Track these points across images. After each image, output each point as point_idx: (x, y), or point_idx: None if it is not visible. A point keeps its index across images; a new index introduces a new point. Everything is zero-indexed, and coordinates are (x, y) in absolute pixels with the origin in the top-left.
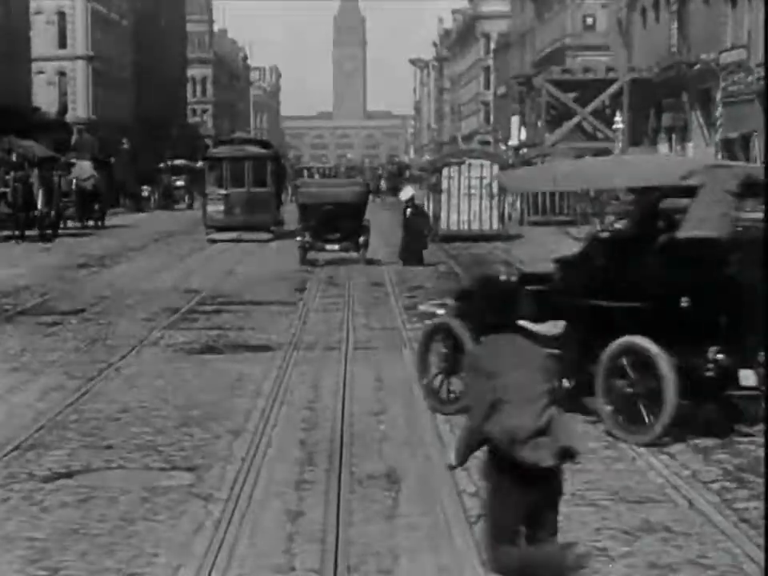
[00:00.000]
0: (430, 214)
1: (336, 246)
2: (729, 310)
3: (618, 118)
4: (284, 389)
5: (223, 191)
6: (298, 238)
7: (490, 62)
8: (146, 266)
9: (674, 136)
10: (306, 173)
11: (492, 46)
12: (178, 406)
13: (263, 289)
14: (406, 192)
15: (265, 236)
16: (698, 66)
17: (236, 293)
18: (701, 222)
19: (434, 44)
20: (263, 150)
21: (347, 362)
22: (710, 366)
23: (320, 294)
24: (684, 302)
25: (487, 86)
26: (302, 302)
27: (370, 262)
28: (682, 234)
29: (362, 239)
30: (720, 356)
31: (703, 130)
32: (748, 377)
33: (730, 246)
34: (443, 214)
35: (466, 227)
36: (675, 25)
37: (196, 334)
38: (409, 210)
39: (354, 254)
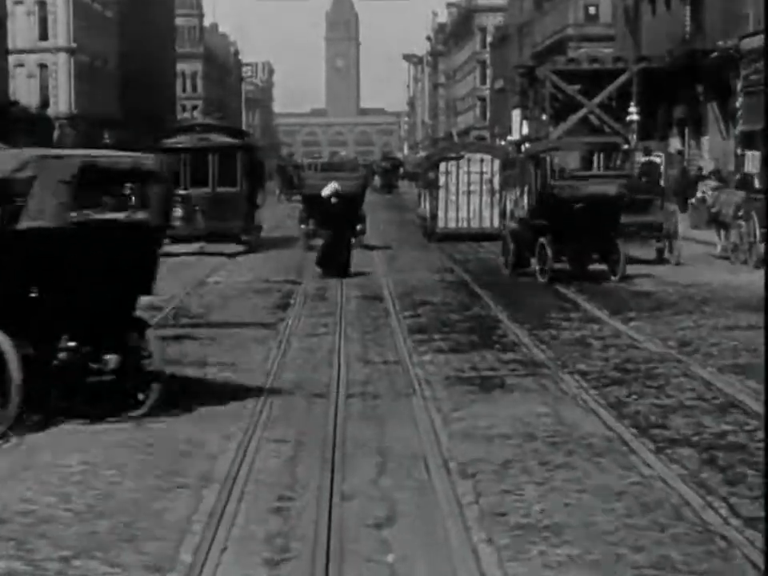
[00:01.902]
0: (427, 211)
1: None
2: (80, 299)
3: (632, 109)
4: (247, 475)
5: (181, 191)
6: (302, 226)
7: (487, 55)
8: None
9: (687, 129)
10: (300, 169)
11: (488, 39)
12: (81, 511)
13: (238, 305)
14: (329, 187)
15: (234, 248)
16: (714, 54)
17: (206, 310)
18: (38, 213)
19: (429, 39)
20: (232, 140)
21: (337, 422)
22: (63, 354)
23: (305, 312)
24: (33, 293)
25: (483, 81)
26: (284, 324)
27: (367, 247)
28: (21, 225)
29: (359, 227)
30: (72, 343)
31: (719, 122)
32: (110, 361)
33: (68, 236)
34: (440, 212)
35: (465, 225)
36: (688, 10)
37: None
38: (333, 209)
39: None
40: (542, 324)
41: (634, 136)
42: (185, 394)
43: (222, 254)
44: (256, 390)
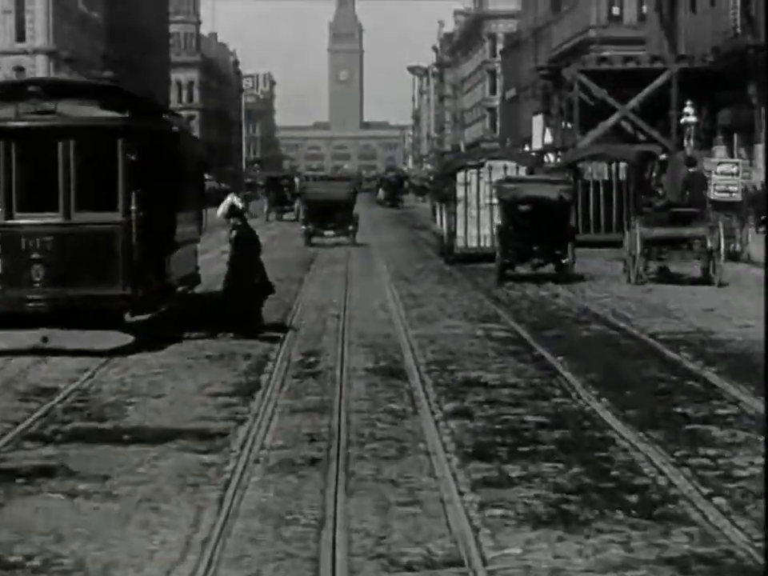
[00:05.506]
0: (443, 229)
1: (332, 232)
2: None
3: (688, 110)
4: None
5: None
6: (303, 227)
7: (497, 64)
8: None
9: (735, 136)
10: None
11: (499, 47)
12: None
13: (176, 385)
14: (225, 202)
15: (110, 340)
16: None
17: (120, 397)
18: None
19: (435, 49)
20: (110, 114)
21: None
22: None
23: (283, 402)
24: None
25: (493, 91)
26: (244, 431)
27: (360, 245)
28: None
29: (351, 227)
30: None
31: None
32: None
33: None
34: (460, 229)
35: (488, 244)
36: (738, 2)
37: None
38: (234, 233)
39: (344, 239)
40: (681, 432)
41: (691, 141)
42: None
43: (84, 353)
44: None
